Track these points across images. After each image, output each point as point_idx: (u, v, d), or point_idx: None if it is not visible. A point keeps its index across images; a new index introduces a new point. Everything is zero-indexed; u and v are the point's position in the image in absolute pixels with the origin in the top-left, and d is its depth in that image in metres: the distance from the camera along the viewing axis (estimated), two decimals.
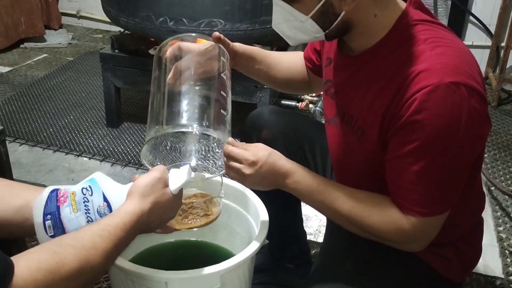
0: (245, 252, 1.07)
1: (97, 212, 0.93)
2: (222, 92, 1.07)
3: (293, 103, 2.37)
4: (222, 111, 1.05)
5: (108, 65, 2.30)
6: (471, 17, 2.92)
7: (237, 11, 1.98)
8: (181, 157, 1.16)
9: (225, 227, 1.34)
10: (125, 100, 2.66)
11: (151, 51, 2.28)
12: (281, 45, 2.20)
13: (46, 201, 0.92)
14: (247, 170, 1.02)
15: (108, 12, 2.25)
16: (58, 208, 0.92)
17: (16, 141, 2.31)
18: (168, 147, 1.15)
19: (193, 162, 1.14)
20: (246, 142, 1.08)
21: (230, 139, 1.04)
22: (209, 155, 1.19)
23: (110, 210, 0.93)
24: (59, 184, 0.97)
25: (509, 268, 1.69)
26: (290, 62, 1.34)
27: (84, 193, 0.93)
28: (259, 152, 1.03)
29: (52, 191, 0.94)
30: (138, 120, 2.50)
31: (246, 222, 1.29)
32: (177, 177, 0.96)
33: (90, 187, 0.94)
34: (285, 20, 1.00)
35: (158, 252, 1.34)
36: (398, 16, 0.98)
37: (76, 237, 0.81)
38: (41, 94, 2.76)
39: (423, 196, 0.94)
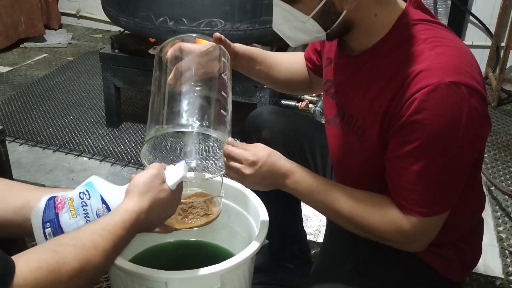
0: (245, 252, 1.07)
1: (97, 215, 0.93)
2: (222, 93, 1.07)
3: (293, 103, 2.37)
4: (222, 111, 1.05)
5: (108, 65, 2.30)
6: (471, 17, 2.92)
7: (237, 11, 1.98)
8: (181, 157, 1.16)
9: (225, 227, 1.34)
10: (125, 100, 2.66)
11: (151, 51, 2.28)
12: (281, 45, 2.20)
13: (44, 209, 0.92)
14: (247, 170, 1.02)
15: (108, 12, 2.25)
16: (56, 215, 0.92)
17: (16, 141, 2.31)
18: (168, 147, 1.15)
19: (193, 162, 1.14)
20: (246, 142, 1.08)
21: (230, 139, 1.04)
22: (209, 155, 1.19)
23: (109, 211, 0.93)
24: (56, 189, 0.97)
25: (509, 268, 1.69)
26: (291, 62, 1.34)
27: (82, 197, 0.93)
28: (259, 152, 1.03)
29: (49, 199, 0.94)
30: (138, 120, 2.50)
31: (246, 222, 1.29)
32: (174, 173, 0.96)
33: (87, 191, 0.94)
34: (286, 21, 1.00)
35: (158, 252, 1.34)
36: (398, 16, 0.98)
37: (76, 236, 0.81)
38: (41, 94, 2.76)
39: (423, 196, 0.94)
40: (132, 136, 2.38)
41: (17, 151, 2.24)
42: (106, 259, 0.82)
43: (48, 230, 0.91)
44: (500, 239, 1.82)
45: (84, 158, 2.22)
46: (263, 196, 1.25)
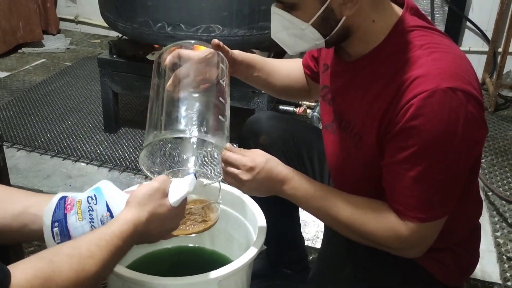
0: (243, 258, 1.07)
1: (101, 221, 0.93)
2: (220, 99, 1.07)
3: (291, 108, 2.37)
4: (220, 117, 1.05)
5: (106, 70, 2.30)
6: (468, 23, 2.93)
7: (235, 16, 1.99)
8: (180, 163, 1.16)
9: (223, 233, 1.34)
10: (123, 105, 2.66)
11: (149, 57, 2.28)
12: (278, 51, 2.21)
13: (55, 208, 0.93)
14: (245, 176, 1.03)
15: (106, 17, 2.25)
16: (65, 215, 0.92)
17: (14, 146, 2.31)
18: (166, 153, 1.15)
19: (192, 168, 1.14)
20: (244, 148, 1.08)
21: (228, 145, 1.04)
22: (207, 161, 1.19)
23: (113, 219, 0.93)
24: (68, 192, 0.98)
25: (507, 273, 1.69)
26: (289, 69, 1.34)
27: (90, 202, 0.94)
28: (256, 158, 1.04)
29: (60, 198, 0.95)
30: (136, 125, 2.50)
31: (244, 228, 1.29)
32: (178, 189, 0.95)
33: (95, 196, 0.94)
34: (285, 29, 1.00)
35: (156, 258, 1.34)
36: (395, 22, 0.98)
37: (73, 245, 0.82)
38: (39, 99, 2.76)
39: (420, 202, 0.94)
40: (130, 142, 2.38)
41: (15, 157, 2.23)
42: (103, 268, 0.82)
43: (56, 230, 0.92)
44: (497, 245, 1.82)
45: (82, 164, 2.21)
46: (261, 201, 1.25)
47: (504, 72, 2.77)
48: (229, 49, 1.17)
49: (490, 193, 2.08)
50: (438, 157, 0.91)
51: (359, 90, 1.01)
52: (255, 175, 1.02)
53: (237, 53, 1.21)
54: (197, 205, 1.16)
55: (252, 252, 1.08)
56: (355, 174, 1.09)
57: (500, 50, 2.76)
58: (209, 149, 1.18)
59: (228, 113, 1.08)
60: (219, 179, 1.14)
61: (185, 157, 1.18)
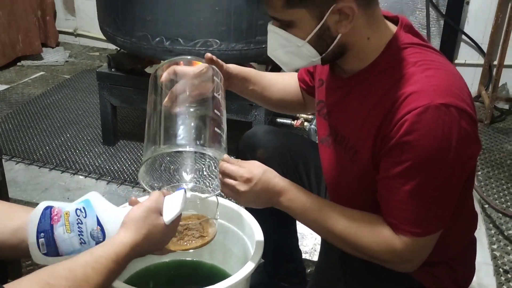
0: (240, 273, 1.07)
1: (91, 235, 0.93)
2: (216, 112, 1.09)
3: (288, 121, 2.38)
4: (217, 130, 1.07)
5: (104, 83, 2.31)
6: (463, 36, 2.96)
7: (233, 31, 2.01)
8: (179, 177, 1.17)
9: (220, 246, 1.35)
10: (121, 118, 2.68)
11: (148, 70, 2.30)
12: (275, 64, 2.22)
13: (40, 218, 0.93)
14: (242, 187, 1.03)
15: (105, 31, 2.27)
16: (51, 226, 0.92)
17: (13, 159, 2.32)
18: (165, 168, 1.16)
19: (190, 184, 1.15)
20: None
21: (226, 156, 1.05)
22: (205, 174, 1.20)
23: (103, 234, 0.94)
24: (53, 201, 0.97)
25: (504, 286, 1.70)
26: (285, 83, 1.36)
27: (78, 214, 0.94)
28: (253, 169, 1.05)
29: (45, 208, 0.94)
30: (134, 138, 2.51)
31: (241, 242, 1.30)
32: (171, 207, 0.96)
33: (84, 208, 0.94)
34: (281, 46, 1.02)
35: (154, 272, 1.34)
36: (389, 39, 1.00)
37: (69, 268, 0.82)
38: (38, 112, 2.77)
39: (414, 216, 0.95)
40: (129, 154, 2.39)
41: (13, 170, 2.24)
42: None
43: (41, 240, 0.92)
44: (494, 257, 1.83)
45: (80, 177, 2.22)
46: (258, 213, 1.26)
47: (500, 84, 2.79)
48: (223, 63, 1.18)
49: (486, 206, 2.09)
50: (432, 172, 0.92)
51: (354, 105, 1.03)
52: (252, 187, 1.03)
53: (232, 67, 1.23)
54: (195, 221, 1.17)
55: (250, 266, 1.09)
56: (351, 188, 1.10)
57: (495, 63, 2.78)
58: (208, 162, 1.19)
59: (224, 125, 1.10)
60: (216, 192, 1.15)
61: (183, 171, 1.19)
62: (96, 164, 2.31)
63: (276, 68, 2.18)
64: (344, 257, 1.06)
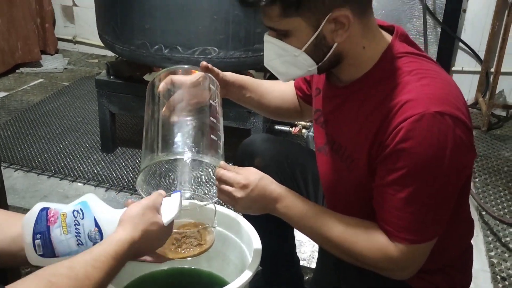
0: (238, 280, 1.08)
1: (88, 237, 0.94)
2: (213, 119, 1.10)
3: (286, 128, 2.39)
4: (214, 137, 1.08)
5: (103, 91, 2.32)
6: (460, 44, 2.97)
7: (231, 39, 2.02)
8: (177, 185, 1.18)
9: (218, 254, 1.35)
10: (120, 125, 2.68)
11: (146, 77, 2.31)
12: None
13: (36, 220, 0.93)
14: (238, 194, 1.04)
15: (104, 39, 2.29)
16: (48, 228, 0.92)
17: (11, 166, 2.32)
18: (163, 176, 1.17)
19: (188, 193, 1.16)
20: None
21: (222, 162, 1.06)
22: (203, 182, 1.21)
23: (101, 235, 0.94)
24: (48, 203, 0.97)
25: None
26: (282, 91, 1.37)
27: (76, 216, 0.94)
28: (250, 176, 1.05)
29: (42, 210, 0.94)
30: (133, 145, 2.52)
31: (239, 249, 1.30)
32: (169, 209, 0.97)
33: (81, 210, 0.95)
34: (278, 56, 1.03)
35: (152, 280, 1.35)
36: (384, 49, 1.01)
37: (70, 266, 0.82)
38: (37, 119, 2.78)
39: (410, 223, 0.96)
40: (127, 161, 2.40)
41: (12, 177, 2.25)
42: None
43: (38, 242, 0.92)
44: (491, 264, 1.83)
45: (79, 184, 2.23)
46: (255, 220, 1.27)
47: (497, 91, 2.81)
48: (219, 71, 1.19)
49: (484, 213, 2.09)
50: (428, 180, 0.93)
51: (350, 114, 1.04)
52: (249, 193, 1.04)
53: (229, 75, 1.24)
54: (193, 229, 1.18)
55: (248, 274, 1.09)
56: (348, 195, 1.11)
57: (492, 70, 2.80)
58: (206, 170, 1.20)
59: (221, 132, 1.11)
60: (214, 200, 1.15)
61: (181, 179, 1.20)
62: (94, 171, 2.31)
63: (273, 76, 2.19)
64: (338, 264, 1.07)
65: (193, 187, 1.19)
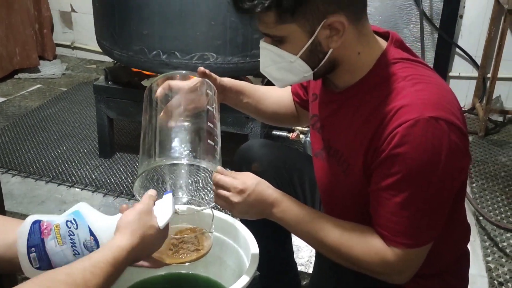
0: (236, 286, 1.08)
1: (84, 246, 0.94)
2: (210, 125, 1.10)
3: (284, 133, 2.39)
4: (212, 142, 1.08)
5: (101, 96, 2.33)
6: (457, 49, 2.99)
7: (229, 45, 2.03)
8: (174, 191, 1.18)
9: (216, 259, 1.35)
10: (118, 131, 2.68)
11: (144, 83, 2.32)
12: None
13: (29, 233, 0.93)
14: (235, 198, 1.04)
15: (102, 45, 2.29)
16: (42, 240, 0.92)
17: (9, 172, 2.32)
18: (160, 181, 1.17)
19: (185, 198, 1.16)
20: None
21: (219, 167, 1.06)
22: (200, 187, 1.21)
23: (97, 243, 0.95)
24: (40, 215, 0.97)
25: None
26: (279, 96, 1.37)
27: (69, 226, 0.94)
28: (247, 180, 1.06)
29: (34, 223, 0.94)
30: (130, 150, 2.52)
31: (236, 254, 1.30)
32: (163, 212, 0.97)
33: (74, 220, 0.95)
34: (274, 63, 1.04)
35: (149, 285, 1.35)
36: (379, 54, 1.02)
37: (68, 273, 0.82)
38: (35, 124, 2.78)
39: (406, 228, 0.96)
40: (125, 167, 2.40)
41: (9, 183, 2.24)
42: None
43: (33, 255, 0.92)
44: (489, 270, 1.83)
45: (77, 189, 2.22)
46: (253, 226, 1.27)
47: (494, 97, 2.81)
48: (216, 76, 1.20)
49: (481, 218, 2.10)
50: (423, 185, 0.94)
51: (346, 119, 1.04)
52: (246, 198, 1.04)
53: (226, 80, 1.24)
54: (190, 234, 1.18)
55: (245, 279, 1.10)
56: (344, 200, 1.12)
57: (489, 75, 2.81)
58: (203, 175, 1.20)
59: (218, 137, 1.11)
60: (211, 205, 1.15)
61: (178, 185, 1.20)
62: (92, 176, 2.31)
63: (271, 82, 2.20)
64: (335, 268, 1.07)
65: (190, 192, 1.19)
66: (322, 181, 1.18)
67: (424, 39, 2.85)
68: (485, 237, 2.01)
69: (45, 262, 0.93)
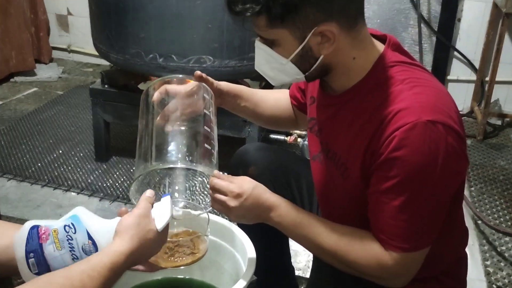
0: None
1: (82, 250, 0.93)
2: (207, 128, 1.10)
3: (281, 137, 2.39)
4: (208, 146, 1.07)
5: (98, 100, 2.32)
6: (455, 53, 2.98)
7: (226, 48, 2.02)
8: (171, 195, 1.17)
9: (213, 263, 1.34)
10: (114, 134, 2.67)
11: (141, 86, 2.31)
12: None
13: (27, 239, 0.92)
14: (232, 203, 1.04)
15: (98, 48, 2.28)
16: (40, 245, 0.92)
17: (5, 176, 2.31)
18: (156, 185, 1.16)
19: (181, 202, 1.15)
20: None
21: (216, 171, 1.06)
22: (197, 191, 1.20)
23: (96, 247, 0.94)
24: (38, 220, 0.96)
25: None
26: (276, 99, 1.36)
27: (67, 230, 0.93)
28: (244, 184, 1.05)
29: (32, 228, 0.93)
30: (127, 154, 2.51)
31: (233, 258, 1.29)
32: (161, 214, 0.96)
33: (72, 224, 0.94)
34: (267, 62, 1.04)
35: None
36: (376, 58, 1.01)
37: (66, 276, 0.82)
38: (30, 128, 2.76)
39: (403, 231, 0.96)
40: (121, 171, 2.38)
41: (5, 187, 2.23)
42: None
43: (31, 261, 0.91)
44: (487, 274, 1.82)
45: (73, 193, 2.21)
46: (250, 230, 1.26)
47: (492, 100, 2.81)
48: (213, 80, 1.19)
49: (479, 222, 2.09)
50: (420, 188, 0.93)
51: (344, 122, 1.04)
52: (242, 202, 1.04)
53: (223, 84, 1.23)
54: (186, 237, 1.17)
55: (242, 284, 1.09)
56: (342, 204, 1.11)
57: (487, 79, 2.81)
58: (199, 179, 1.19)
59: (215, 141, 1.10)
60: (207, 209, 1.14)
61: (174, 189, 1.19)
62: (88, 180, 2.30)
63: (269, 85, 2.19)
64: (335, 274, 1.06)
65: (186, 196, 1.18)
66: (320, 184, 1.17)
67: (422, 42, 2.85)
68: (484, 241, 2.00)
69: (43, 267, 0.92)
